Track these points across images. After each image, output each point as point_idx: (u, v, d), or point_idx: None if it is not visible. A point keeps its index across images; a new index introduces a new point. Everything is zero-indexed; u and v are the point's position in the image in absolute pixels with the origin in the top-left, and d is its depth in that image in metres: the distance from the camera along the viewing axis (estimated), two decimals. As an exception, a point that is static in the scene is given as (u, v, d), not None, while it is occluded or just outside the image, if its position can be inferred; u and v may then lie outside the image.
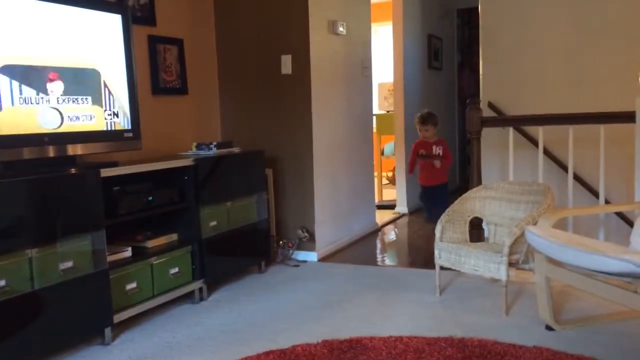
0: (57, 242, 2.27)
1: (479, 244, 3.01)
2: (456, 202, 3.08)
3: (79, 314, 2.34)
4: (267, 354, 2.27)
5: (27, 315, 2.17)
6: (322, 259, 3.82)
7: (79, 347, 2.42)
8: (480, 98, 4.14)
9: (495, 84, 4.20)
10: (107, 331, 2.45)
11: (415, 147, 4.42)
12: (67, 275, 2.29)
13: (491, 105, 4.17)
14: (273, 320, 2.68)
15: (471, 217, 3.08)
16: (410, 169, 4.47)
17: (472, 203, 3.10)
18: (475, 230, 3.19)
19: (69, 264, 2.30)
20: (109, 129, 2.74)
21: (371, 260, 3.83)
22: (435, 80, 6.33)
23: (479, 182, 3.36)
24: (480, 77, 4.27)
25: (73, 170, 2.45)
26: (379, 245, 4.35)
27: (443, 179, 4.37)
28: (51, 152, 2.49)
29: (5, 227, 2.12)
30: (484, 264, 2.69)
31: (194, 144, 3.40)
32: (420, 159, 4.35)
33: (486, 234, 3.16)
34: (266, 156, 3.64)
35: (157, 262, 2.75)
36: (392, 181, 6.58)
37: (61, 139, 2.52)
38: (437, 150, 4.32)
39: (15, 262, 2.12)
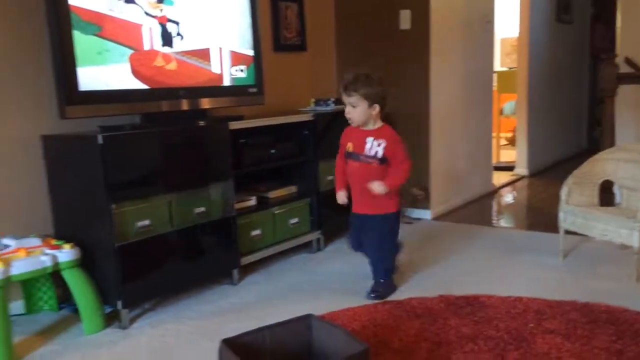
0: (192, 189, 2.46)
1: (609, 208, 2.83)
2: (585, 164, 2.90)
3: (210, 255, 2.55)
4: (383, 303, 2.33)
5: (167, 252, 2.39)
6: (436, 218, 3.80)
7: (210, 285, 2.64)
8: (617, 53, 3.81)
9: (635, 38, 3.83)
10: (235, 272, 2.65)
11: (342, 138, 2.47)
12: (200, 219, 2.48)
13: (629, 61, 3.81)
14: (388, 274, 2.73)
15: (602, 180, 2.89)
16: (337, 181, 2.49)
17: (603, 165, 2.90)
18: (606, 195, 3.00)
19: (202, 209, 2.49)
20: (235, 84, 2.88)
21: (486, 222, 3.74)
22: (564, 35, 5.89)
23: (612, 144, 3.14)
24: (618, 30, 3.91)
25: (204, 123, 2.62)
26: (495, 207, 4.23)
27: (386, 206, 2.39)
28: (184, 105, 2.67)
29: (149, 173, 2.33)
30: (615, 229, 2.53)
31: (312, 99, 3.47)
32: (348, 160, 2.42)
33: (617, 198, 2.95)
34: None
35: (278, 211, 2.90)
36: (511, 142, 6.30)
37: (194, 93, 2.69)
38: (373, 148, 2.33)
39: (157, 205, 2.34)
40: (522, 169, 5.27)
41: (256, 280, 2.72)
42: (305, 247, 3.11)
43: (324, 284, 2.63)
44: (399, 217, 2.48)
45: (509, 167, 5.38)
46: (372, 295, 2.40)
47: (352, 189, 2.45)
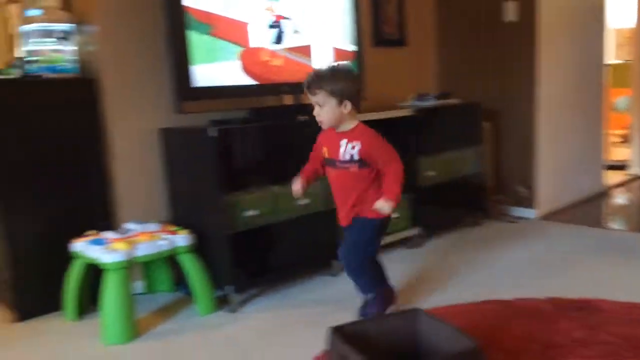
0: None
1: None
2: None
3: (312, 246, 2.62)
4: (486, 302, 2.28)
5: (273, 242, 2.49)
6: (542, 217, 3.64)
7: (311, 274, 2.71)
8: None
9: None
10: (335, 263, 2.70)
11: (317, 139, 2.17)
12: (303, 211, 2.56)
13: None
14: (489, 273, 2.67)
15: None
16: (303, 180, 2.15)
17: None
18: None
19: (306, 200, 2.55)
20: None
21: (596, 223, 3.53)
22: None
23: None
24: None
25: (306, 118, 2.69)
26: (606, 208, 3.99)
27: (365, 211, 2.06)
28: (288, 100, 2.76)
29: (257, 165, 2.44)
30: None
31: (413, 94, 3.45)
32: (327, 167, 2.13)
33: None
34: (484, 109, 3.54)
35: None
36: (625, 139, 5.89)
37: (297, 88, 2.77)
38: (347, 152, 2.02)
39: (265, 196, 2.44)
40: (636, 169, 4.92)
41: (356, 272, 2.76)
42: (404, 242, 3.10)
43: (422, 280, 2.62)
44: (382, 228, 2.10)
45: (621, 166, 5.04)
46: (362, 316, 2.16)
47: (334, 198, 2.13)
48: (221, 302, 2.42)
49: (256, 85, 2.59)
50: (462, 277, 2.62)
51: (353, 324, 1.65)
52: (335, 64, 2.02)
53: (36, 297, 2.38)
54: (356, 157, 2.00)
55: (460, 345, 1.47)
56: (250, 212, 2.39)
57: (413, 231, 3.10)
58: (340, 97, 1.95)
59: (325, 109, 1.98)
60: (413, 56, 3.82)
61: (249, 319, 2.30)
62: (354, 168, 2.02)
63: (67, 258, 2.37)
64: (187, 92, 2.36)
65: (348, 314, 2.17)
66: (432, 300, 2.34)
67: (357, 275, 2.14)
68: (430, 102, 3.31)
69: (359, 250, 2.10)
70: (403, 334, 1.66)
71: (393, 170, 1.99)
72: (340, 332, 1.56)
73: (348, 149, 2.01)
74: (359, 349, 1.45)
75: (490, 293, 2.39)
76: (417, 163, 3.06)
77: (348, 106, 1.97)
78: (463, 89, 3.78)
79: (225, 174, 2.32)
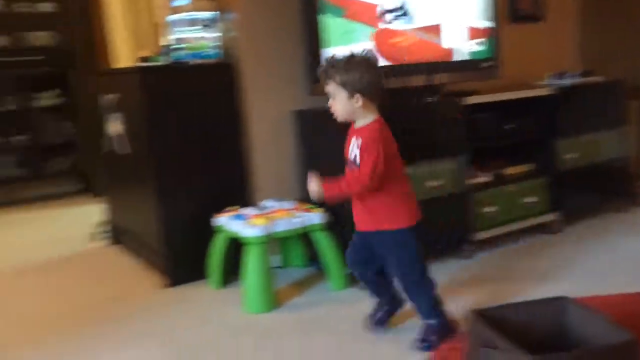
0: (426, 162, 2.52)
1: None
2: None
3: (443, 229, 2.59)
4: (636, 294, 2.12)
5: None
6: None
7: (440, 257, 2.69)
8: None
9: None
10: (467, 247, 2.65)
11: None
12: (434, 193, 2.53)
13: None
14: (633, 262, 2.48)
15: None
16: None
17: None
18: None
19: (436, 182, 2.53)
20: (470, 58, 2.83)
21: None
22: None
23: None
24: None
25: (439, 98, 2.65)
26: None
27: (389, 220, 1.85)
28: (419, 81, 2.72)
29: (388, 146, 2.45)
30: None
31: (550, 73, 3.25)
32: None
33: None
34: (631, 87, 3.26)
35: (514, 189, 2.81)
36: None
37: (428, 68, 2.73)
38: (353, 151, 1.85)
39: (396, 176, 2.44)
40: None
41: (487, 257, 2.69)
42: (540, 228, 2.96)
43: (561, 268, 2.49)
44: (414, 234, 1.86)
45: None
46: (420, 346, 1.87)
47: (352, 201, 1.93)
48: (353, 279, 2.48)
49: (387, 66, 2.59)
50: (604, 265, 2.45)
51: (496, 308, 1.61)
52: (354, 52, 1.80)
53: (185, 266, 2.60)
54: (358, 159, 1.79)
55: (616, 337, 1.39)
56: (383, 193, 2.41)
57: (550, 216, 2.95)
58: (352, 90, 1.75)
59: (337, 102, 1.81)
60: (550, 32, 3.60)
61: (380, 298, 2.33)
62: (356, 170, 1.80)
63: (212, 231, 2.55)
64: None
65: (480, 298, 2.13)
66: (573, 290, 2.22)
67: (413, 294, 1.90)
68: (570, 81, 3.10)
69: (406, 270, 1.87)
70: (549, 323, 1.60)
71: (355, 175, 1.78)
72: (483, 316, 1.54)
73: (354, 148, 1.82)
74: (502, 335, 1.42)
75: (635, 283, 2.22)
76: (554, 145, 2.90)
77: (360, 100, 1.77)
78: (606, 66, 3.49)
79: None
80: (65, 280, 2.76)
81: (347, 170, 1.87)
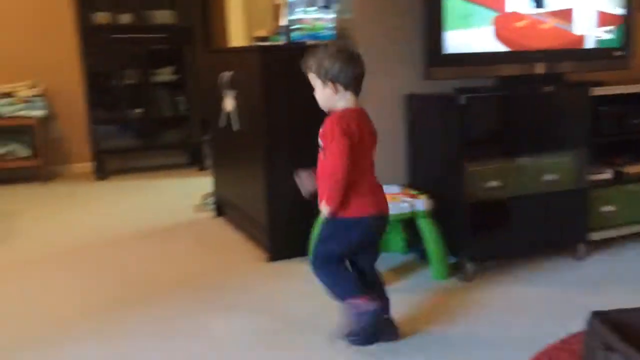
0: (543, 155, 2.40)
1: None
2: None
3: (556, 225, 2.46)
4: None
5: (512, 216, 2.41)
6: None
7: (550, 255, 2.57)
8: None
9: None
10: (580, 246, 2.51)
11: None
12: (549, 187, 2.41)
13: None
14: None
15: None
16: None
17: None
18: None
19: (553, 177, 2.41)
20: (598, 47, 2.65)
21: None
22: None
23: None
24: None
25: (562, 88, 2.50)
26: None
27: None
28: (540, 69, 2.58)
29: (502, 136, 2.36)
30: None
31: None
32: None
33: None
34: None
35: (635, 189, 2.61)
36: None
37: (553, 56, 2.58)
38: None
39: (508, 168, 2.36)
40: None
41: (603, 258, 2.54)
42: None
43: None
44: (347, 230, 1.80)
45: None
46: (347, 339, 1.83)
47: None
48: (453, 270, 2.44)
49: (507, 52, 2.48)
50: None
51: (617, 311, 1.52)
52: (333, 42, 1.74)
53: (287, 242, 2.66)
54: (321, 143, 1.79)
55: None
56: (491, 183, 2.33)
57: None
58: (324, 79, 1.77)
59: (316, 90, 1.82)
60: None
61: (483, 290, 2.27)
62: (321, 155, 1.81)
63: (316, 209, 2.59)
64: (437, 59, 2.37)
65: (596, 300, 2.01)
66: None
67: (316, 275, 1.86)
68: None
69: (315, 248, 1.87)
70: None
71: (331, 170, 1.74)
72: (604, 318, 1.45)
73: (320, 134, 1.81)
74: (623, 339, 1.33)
75: None
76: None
77: (333, 89, 1.77)
78: None
79: (469, 143, 2.29)
80: (173, 247, 2.92)
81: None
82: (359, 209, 1.79)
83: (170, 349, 1.89)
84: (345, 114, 1.78)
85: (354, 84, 1.79)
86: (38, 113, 4.44)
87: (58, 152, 4.84)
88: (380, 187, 1.89)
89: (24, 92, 4.47)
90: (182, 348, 1.89)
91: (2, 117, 4.38)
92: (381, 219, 1.84)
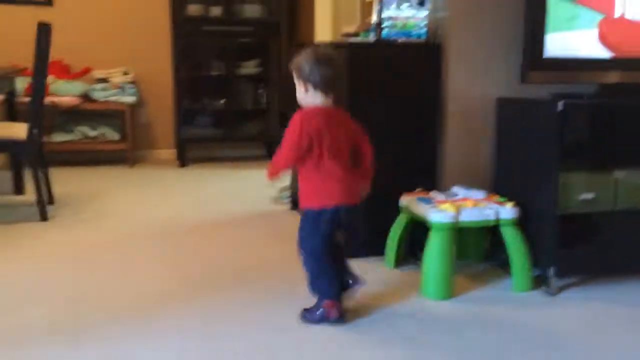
0: (644, 168, 2.26)
1: None
2: None
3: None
4: None
5: (606, 231, 2.28)
6: None
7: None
8: None
9: None
10: (679, 270, 2.35)
11: None
12: (648, 204, 2.27)
13: None
14: None
15: None
16: None
17: None
18: None
19: (653, 192, 2.26)
20: None
21: None
22: None
23: None
24: None
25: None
26: None
27: (302, 199, 2.02)
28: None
29: (600, 146, 2.24)
30: None
31: None
32: None
33: None
34: None
35: None
36: None
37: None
38: None
39: (604, 180, 2.23)
40: None
41: None
42: None
43: None
44: (317, 221, 1.94)
45: None
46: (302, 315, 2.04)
47: None
48: (536, 283, 2.33)
49: (611, 58, 2.35)
50: None
51: None
52: (316, 46, 2.00)
53: (362, 241, 2.64)
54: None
55: None
56: (585, 195, 2.22)
57: None
58: (298, 78, 1.94)
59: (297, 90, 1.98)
60: None
61: (570, 307, 2.16)
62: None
63: (393, 210, 2.57)
64: (537, 62, 2.27)
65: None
66: None
67: (304, 264, 2.02)
68: None
69: (300, 244, 2.01)
70: None
71: (278, 153, 1.93)
72: None
73: None
74: None
75: None
76: None
77: (307, 90, 1.93)
78: None
79: (564, 151, 2.18)
80: (249, 237, 2.98)
81: None
82: (323, 200, 1.94)
83: (247, 336, 1.92)
84: (310, 111, 1.93)
85: (323, 84, 1.92)
86: (129, 99, 4.66)
87: (144, 137, 5.06)
88: (353, 178, 2.00)
89: (118, 79, 4.70)
90: (254, 338, 1.91)
91: (96, 102, 4.62)
92: (346, 208, 1.96)
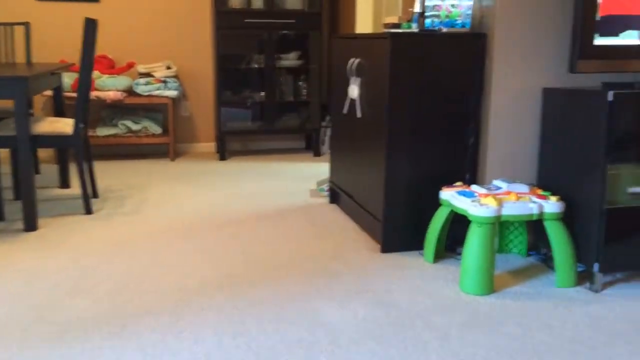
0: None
1: None
2: None
3: None
4: None
5: None
6: None
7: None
8: None
9: None
10: None
11: None
12: (703, 198, 2.16)
13: None
14: None
15: None
16: None
17: None
18: None
19: None
20: None
21: None
22: None
23: None
24: None
25: None
26: None
27: None
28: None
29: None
30: None
31: None
32: None
33: None
34: None
35: None
36: None
37: None
38: None
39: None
40: None
41: None
42: None
43: None
44: None
45: None
46: None
47: None
48: (581, 279, 2.26)
49: (664, 46, 2.24)
50: None
51: None
52: None
53: (402, 235, 2.62)
54: None
55: None
56: (634, 189, 2.13)
57: None
58: None
59: None
60: None
61: (615, 303, 2.09)
62: None
63: (433, 203, 2.53)
64: (587, 50, 2.19)
65: None
66: None
67: None
68: None
69: None
70: None
71: None
72: None
73: None
74: None
75: None
76: None
77: None
78: None
79: (613, 143, 2.10)
80: (288, 230, 2.99)
81: None
82: None
83: (281, 331, 1.93)
84: None
85: None
86: (172, 93, 4.73)
87: (186, 130, 5.14)
88: None
89: (160, 73, 4.78)
90: (292, 332, 1.92)
91: (139, 96, 4.72)
92: None
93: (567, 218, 2.26)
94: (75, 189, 3.74)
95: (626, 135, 2.12)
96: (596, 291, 2.19)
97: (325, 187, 3.56)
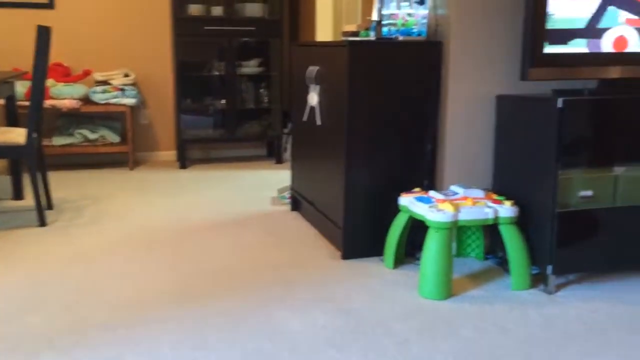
0: (644, 165, 2.23)
1: None
2: None
3: (653, 242, 2.29)
4: None
5: (605, 228, 2.26)
6: None
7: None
8: None
9: None
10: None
11: None
12: (648, 201, 2.25)
13: None
14: None
15: None
16: None
17: None
18: None
19: (653, 190, 2.23)
20: None
21: None
22: None
23: None
24: None
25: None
26: None
27: None
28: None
29: (599, 143, 2.21)
30: None
31: None
32: None
33: None
34: None
35: None
36: None
37: None
38: None
39: (603, 177, 2.22)
40: None
41: None
42: None
43: None
44: None
45: None
46: None
47: None
48: (535, 281, 2.32)
49: (611, 53, 2.32)
50: None
51: None
52: None
53: (361, 241, 2.63)
54: None
55: None
56: (584, 193, 2.20)
57: None
58: None
59: None
60: None
61: (568, 305, 2.15)
62: None
63: (392, 210, 2.55)
64: (536, 58, 2.25)
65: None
66: None
67: None
68: None
69: None
70: None
71: None
72: None
73: None
74: None
75: None
76: None
77: None
78: None
79: (563, 148, 2.16)
80: (248, 239, 2.97)
81: None
82: None
83: (241, 342, 1.91)
84: None
85: None
86: (130, 101, 4.65)
87: (146, 139, 5.06)
88: None
89: (118, 81, 4.69)
90: (252, 342, 1.90)
91: (96, 104, 4.62)
92: None
93: (521, 222, 2.31)
94: (29, 200, 3.63)
95: (576, 141, 2.19)
96: (550, 293, 2.24)
97: (287, 194, 3.56)
